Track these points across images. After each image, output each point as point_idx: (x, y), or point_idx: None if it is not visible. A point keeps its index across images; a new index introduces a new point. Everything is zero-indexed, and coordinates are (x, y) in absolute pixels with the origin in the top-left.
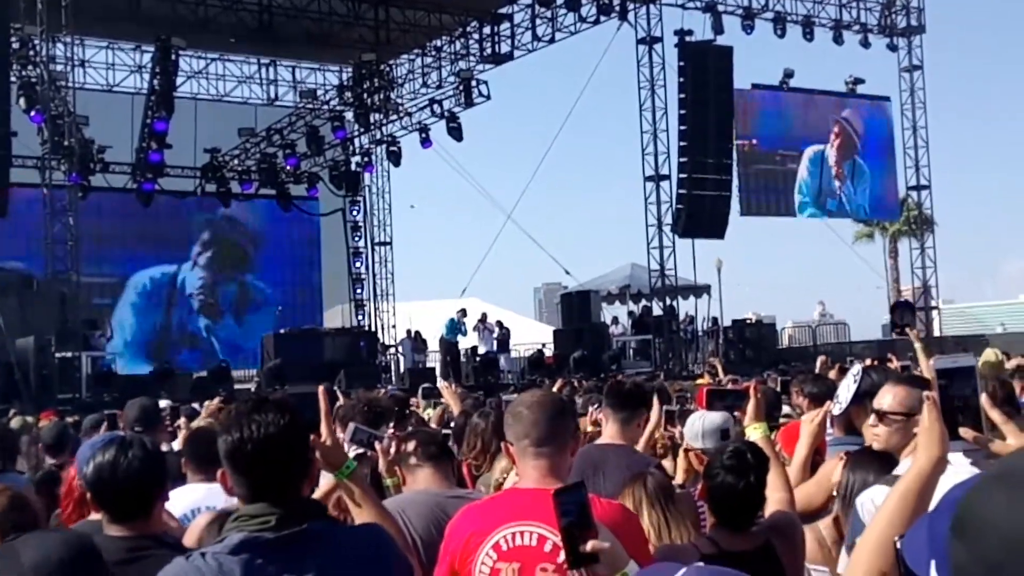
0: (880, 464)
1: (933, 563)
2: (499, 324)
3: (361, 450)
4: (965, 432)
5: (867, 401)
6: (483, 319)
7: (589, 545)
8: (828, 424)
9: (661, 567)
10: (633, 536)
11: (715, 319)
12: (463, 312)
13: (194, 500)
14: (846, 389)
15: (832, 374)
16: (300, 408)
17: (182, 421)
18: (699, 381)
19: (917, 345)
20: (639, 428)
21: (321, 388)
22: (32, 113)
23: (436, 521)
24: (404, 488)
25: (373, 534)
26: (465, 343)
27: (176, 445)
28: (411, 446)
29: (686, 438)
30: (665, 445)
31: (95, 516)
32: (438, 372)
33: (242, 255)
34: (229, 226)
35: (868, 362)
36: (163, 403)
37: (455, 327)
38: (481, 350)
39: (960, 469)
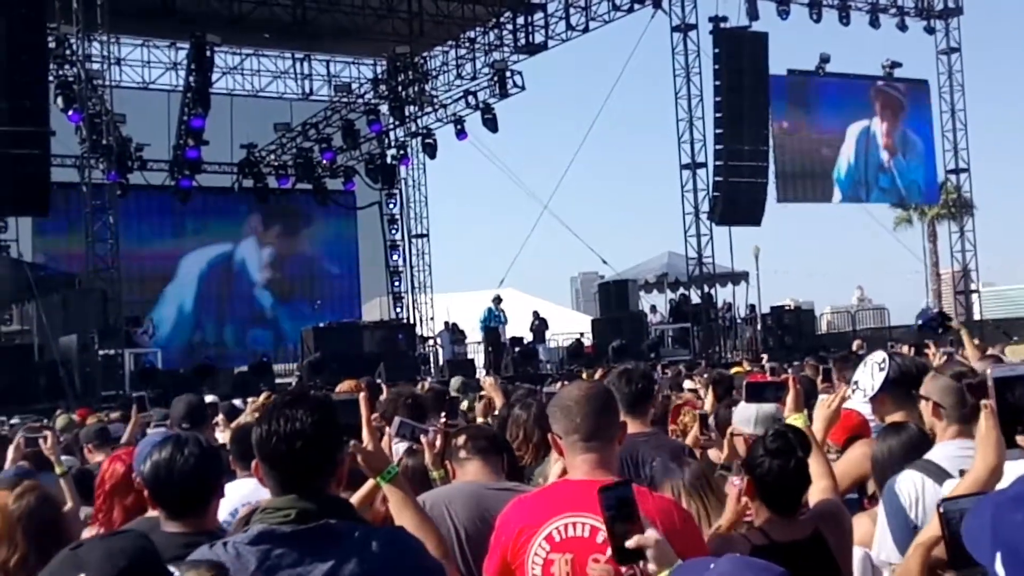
0: (906, 436)
1: (999, 555)
2: (535, 314)
3: (407, 444)
4: (1022, 440)
5: (894, 389)
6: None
7: (633, 540)
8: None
9: (694, 563)
10: (688, 533)
11: (752, 306)
12: (498, 299)
13: (242, 495)
14: (869, 376)
15: None
16: (341, 414)
17: (220, 418)
18: (735, 369)
19: (963, 332)
20: (651, 411)
21: (362, 395)
22: (70, 112)
23: (481, 513)
24: (453, 481)
25: (397, 536)
26: (504, 331)
27: (221, 441)
28: (461, 439)
29: (735, 422)
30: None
31: (152, 513)
32: (478, 363)
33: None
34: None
35: (905, 349)
36: (209, 398)
37: (492, 315)
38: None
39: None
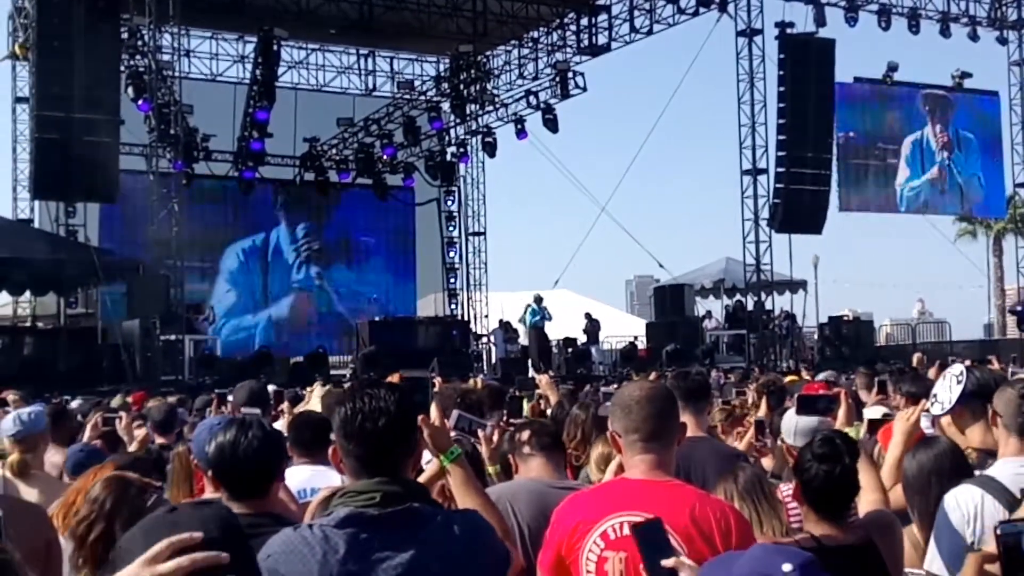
0: (936, 450)
1: None
2: (587, 316)
3: (462, 437)
4: None
5: (972, 402)
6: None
7: (669, 561)
8: (930, 424)
9: (730, 555)
10: (742, 535)
11: (792, 315)
12: (539, 298)
13: (300, 481)
14: (947, 389)
15: (931, 373)
16: (411, 391)
17: (285, 405)
18: (790, 378)
19: None
20: (707, 416)
21: (433, 375)
22: (140, 102)
23: (544, 510)
24: (516, 476)
25: (473, 520)
26: (550, 328)
27: (280, 427)
28: (525, 435)
29: (783, 432)
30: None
31: (214, 494)
32: (529, 361)
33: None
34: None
35: (968, 363)
36: (270, 387)
37: (535, 313)
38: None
39: None
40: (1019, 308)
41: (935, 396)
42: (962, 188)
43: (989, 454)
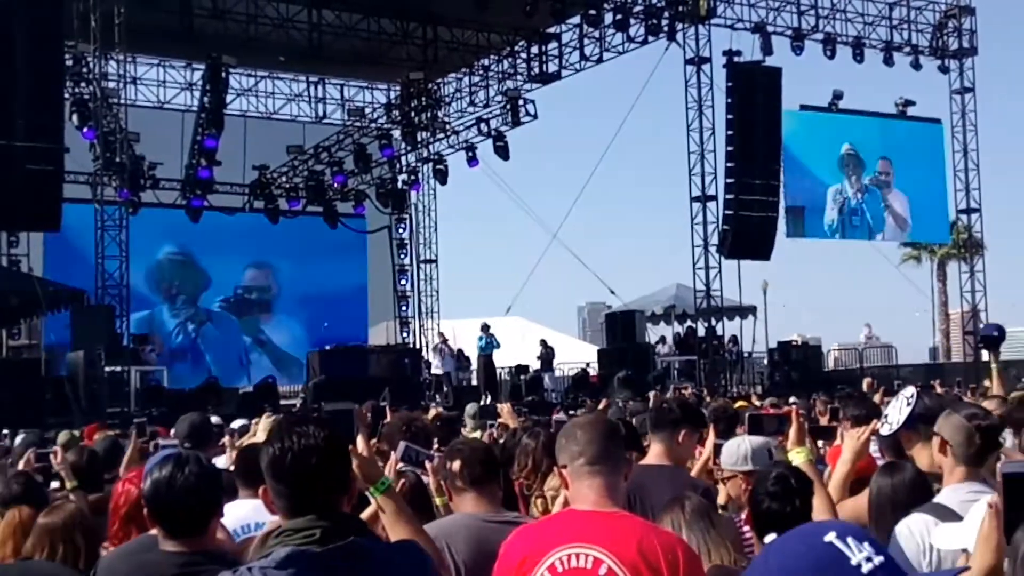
0: (902, 476)
1: None
2: (543, 343)
3: (410, 468)
4: None
5: (919, 425)
6: (443, 340)
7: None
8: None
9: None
10: (691, 571)
11: (733, 339)
12: (485, 326)
13: (243, 515)
14: (897, 411)
15: (877, 397)
16: (334, 424)
17: (226, 440)
18: (739, 404)
19: (994, 367)
20: (682, 445)
21: (359, 406)
22: (84, 129)
23: (480, 546)
24: (452, 507)
25: (413, 552)
26: (501, 355)
27: (223, 462)
28: (456, 466)
29: (724, 463)
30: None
31: (153, 531)
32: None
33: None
34: None
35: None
36: (213, 419)
37: (486, 342)
38: (439, 371)
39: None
40: (995, 333)
41: (886, 417)
42: (870, 223)
43: (936, 478)
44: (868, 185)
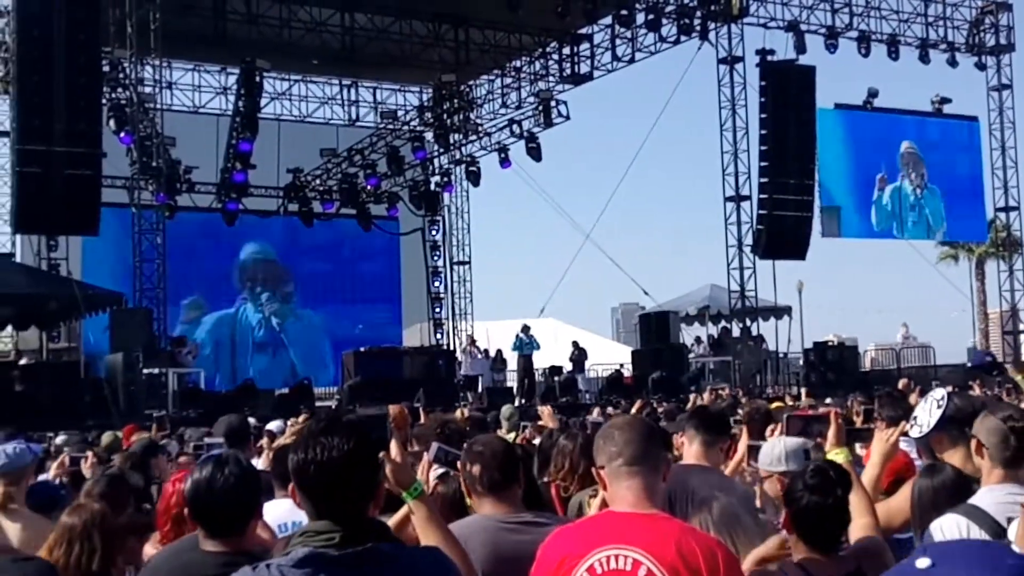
0: (943, 478)
1: None
2: (575, 344)
3: (443, 470)
4: None
5: (951, 427)
6: (472, 341)
7: None
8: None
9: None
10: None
11: (761, 337)
12: (526, 328)
13: (279, 515)
14: (927, 413)
15: (913, 397)
16: (368, 429)
17: (264, 441)
18: (775, 404)
19: (1020, 378)
20: (721, 452)
21: (393, 408)
22: (122, 134)
23: (497, 548)
24: (472, 507)
25: (436, 558)
26: (538, 357)
27: (260, 463)
28: (476, 469)
29: (761, 465)
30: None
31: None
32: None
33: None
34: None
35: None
36: (251, 420)
37: (523, 343)
38: (470, 372)
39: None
40: (988, 359)
41: (915, 418)
42: (929, 220)
43: (973, 480)
44: (927, 183)
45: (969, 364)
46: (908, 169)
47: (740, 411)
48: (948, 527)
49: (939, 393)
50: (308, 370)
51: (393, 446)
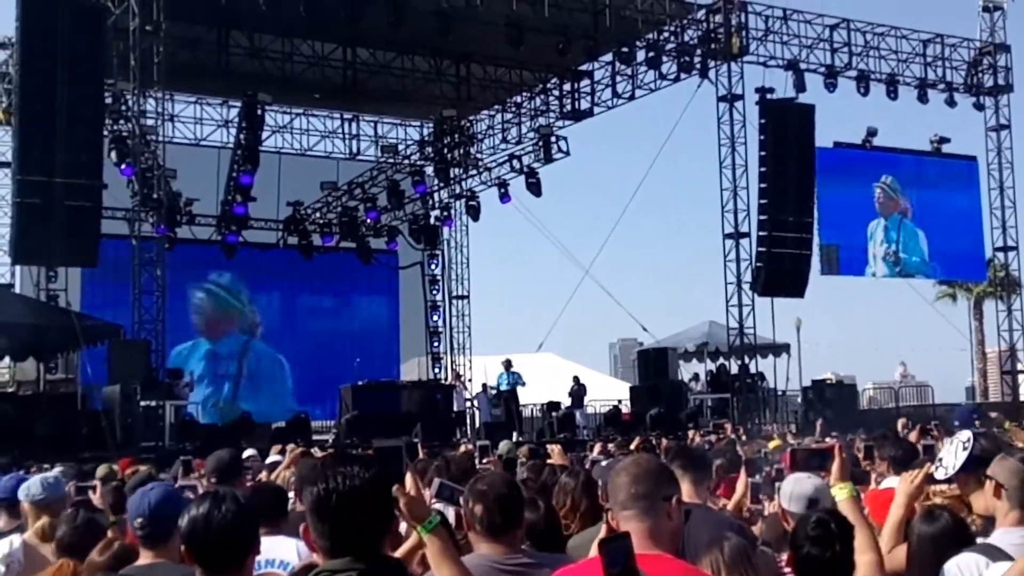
0: (940, 524)
1: None
2: (575, 379)
3: (443, 505)
4: None
5: (979, 468)
6: (457, 376)
7: None
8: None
9: None
10: None
11: (761, 375)
12: (507, 363)
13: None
14: (952, 455)
15: (912, 436)
16: (385, 461)
17: (263, 475)
18: (771, 444)
19: (1011, 427)
20: (708, 490)
21: (404, 441)
22: (123, 166)
23: None
24: (470, 542)
25: None
26: (529, 392)
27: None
28: (479, 509)
29: (782, 499)
30: (751, 510)
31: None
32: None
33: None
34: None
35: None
36: (248, 452)
37: (507, 379)
38: (455, 407)
39: None
40: (974, 416)
41: (940, 460)
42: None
43: (992, 522)
44: (914, 222)
45: (956, 423)
46: (886, 209)
47: (740, 449)
48: (966, 565)
49: (965, 435)
50: (305, 404)
51: (408, 479)
